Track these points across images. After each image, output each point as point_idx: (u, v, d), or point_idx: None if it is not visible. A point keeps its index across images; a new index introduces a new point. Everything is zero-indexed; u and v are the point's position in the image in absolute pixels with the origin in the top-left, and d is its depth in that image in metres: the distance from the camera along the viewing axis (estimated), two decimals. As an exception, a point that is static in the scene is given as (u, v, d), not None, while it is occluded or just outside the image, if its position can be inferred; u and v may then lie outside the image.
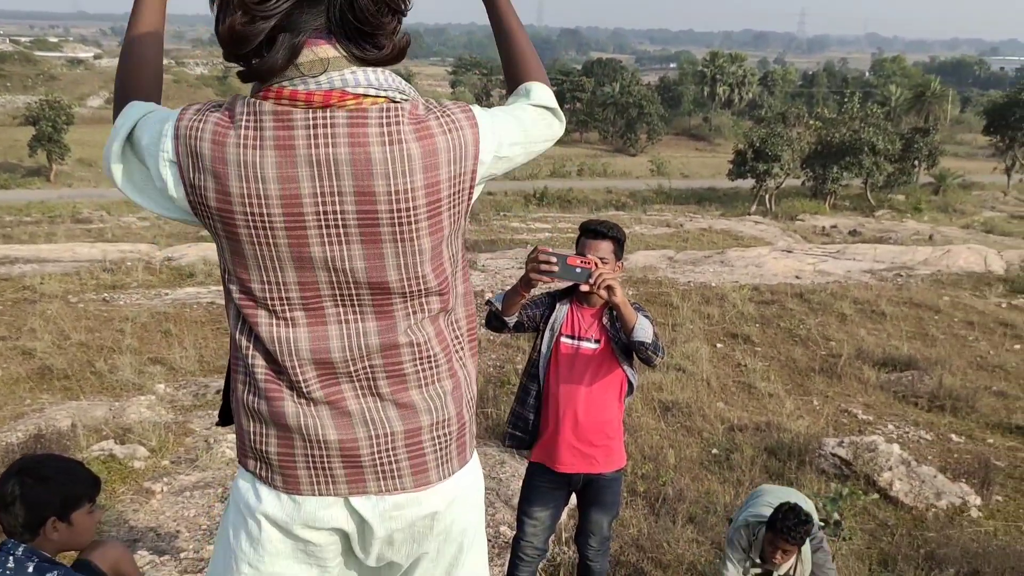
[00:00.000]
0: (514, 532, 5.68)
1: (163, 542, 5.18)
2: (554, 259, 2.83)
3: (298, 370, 1.39)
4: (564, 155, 60.00)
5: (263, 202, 1.34)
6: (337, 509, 1.45)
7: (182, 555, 4.74)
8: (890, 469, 7.02)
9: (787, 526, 3.50)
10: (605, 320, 3.45)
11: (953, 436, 8.03)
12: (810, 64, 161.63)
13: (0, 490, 2.23)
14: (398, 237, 1.40)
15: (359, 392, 1.45)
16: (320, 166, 1.35)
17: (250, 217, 1.35)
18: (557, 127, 1.70)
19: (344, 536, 1.47)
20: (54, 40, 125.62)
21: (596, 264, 2.89)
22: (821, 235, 27.35)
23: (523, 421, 3.58)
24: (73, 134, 48.01)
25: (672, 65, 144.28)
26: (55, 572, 2.17)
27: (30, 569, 2.15)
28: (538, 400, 3.52)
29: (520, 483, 6.85)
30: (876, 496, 6.53)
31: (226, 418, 1.65)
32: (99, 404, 7.69)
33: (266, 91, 1.35)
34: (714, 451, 7.58)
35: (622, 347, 3.43)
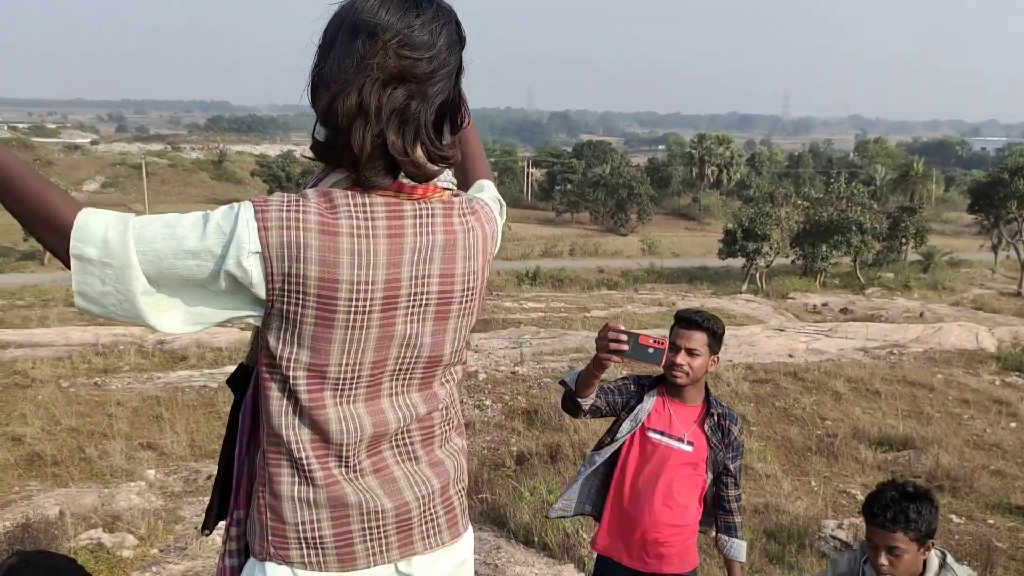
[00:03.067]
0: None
1: (151, 636, 5.05)
2: (624, 337, 2.65)
3: (357, 447, 1.47)
4: (556, 235, 60.61)
5: (370, 287, 1.43)
6: (385, 575, 1.51)
7: (170, 650, 4.61)
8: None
9: (880, 508, 2.52)
10: (707, 428, 3.24)
11: (953, 517, 7.95)
12: (796, 145, 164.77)
13: None
14: (461, 313, 1.59)
15: (399, 458, 1.54)
16: (420, 251, 1.49)
17: (354, 303, 1.42)
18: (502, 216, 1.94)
19: None
20: (52, 126, 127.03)
21: (669, 346, 2.83)
22: (812, 313, 27.49)
23: (579, 504, 3.39)
24: (68, 218, 48.16)
25: (660, 147, 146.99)
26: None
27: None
28: (604, 489, 3.33)
29: (517, 570, 6.74)
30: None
31: (212, 524, 1.68)
32: (88, 491, 7.58)
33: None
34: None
35: (715, 463, 3.24)
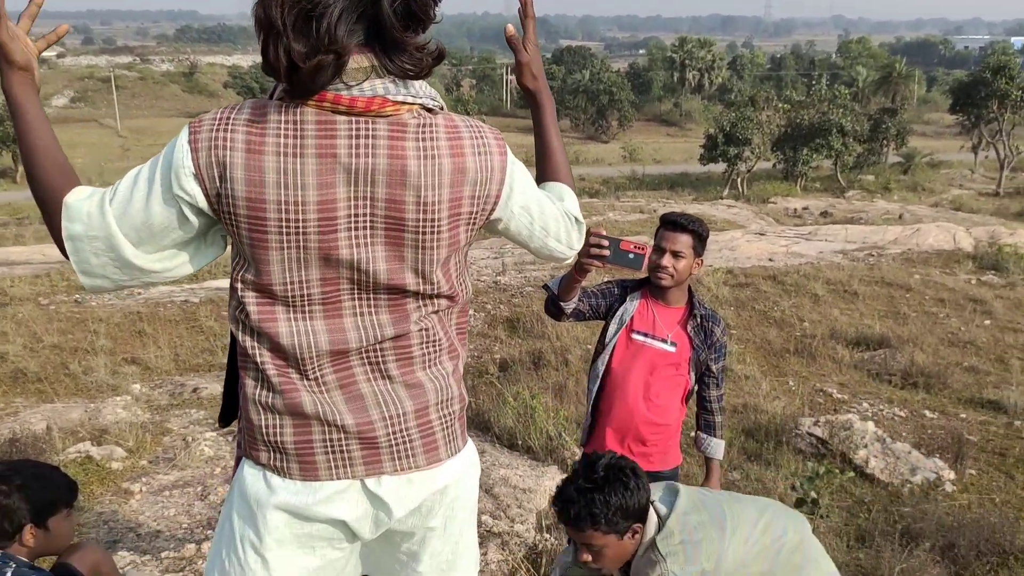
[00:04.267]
0: (495, 520, 5.71)
1: (144, 542, 5.15)
2: (606, 243, 2.61)
3: (315, 361, 1.44)
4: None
5: (300, 208, 1.39)
6: (353, 491, 1.49)
7: (163, 555, 4.72)
8: (865, 447, 7.12)
9: (562, 505, 2.20)
10: (690, 329, 3.25)
11: (927, 412, 8.15)
12: (778, 47, 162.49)
13: None
14: (419, 244, 1.47)
15: (370, 375, 1.50)
16: (358, 173, 1.41)
17: (285, 223, 1.39)
18: (575, 239, 1.81)
19: (357, 518, 1.50)
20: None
21: (654, 248, 2.81)
22: (793, 217, 27.57)
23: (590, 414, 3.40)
24: (38, 134, 47.15)
25: (641, 51, 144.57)
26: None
27: (8, 574, 2.14)
28: (599, 393, 3.34)
29: (501, 472, 6.89)
30: (852, 474, 6.61)
31: (227, 419, 1.68)
32: (74, 406, 7.62)
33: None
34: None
35: (697, 363, 3.27)
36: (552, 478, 6.89)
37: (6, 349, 9.18)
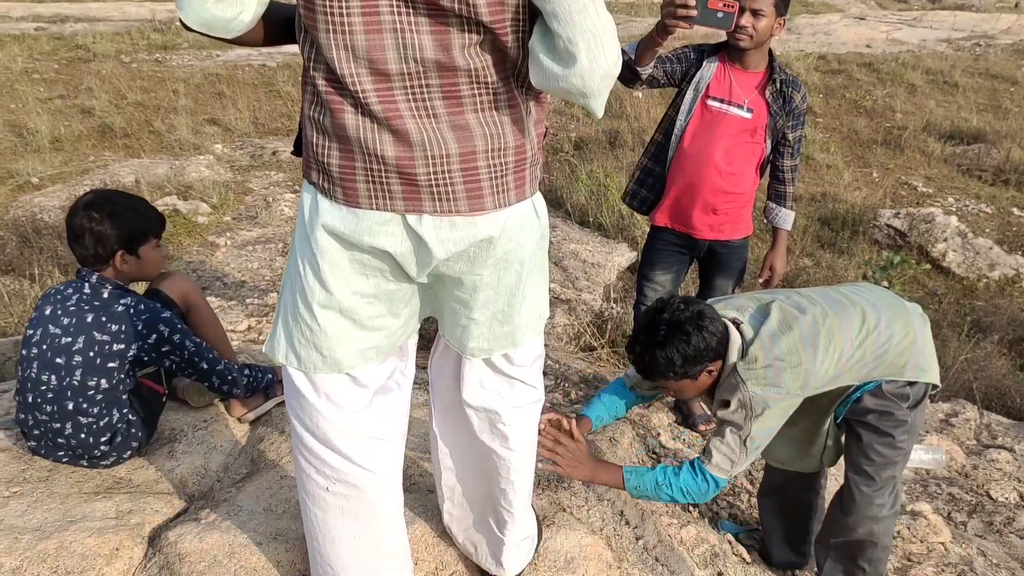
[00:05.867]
0: (563, 289, 5.85)
1: (229, 290, 5.44)
2: (692, 1, 2.47)
3: (356, 78, 1.40)
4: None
5: None
6: (395, 226, 1.49)
7: (248, 301, 4.98)
8: (945, 240, 6.97)
9: (634, 361, 2.17)
10: (768, 94, 3.10)
11: (1015, 210, 7.88)
12: None
13: (70, 222, 2.33)
14: (465, 27, 1.40)
15: (415, 111, 1.44)
16: None
17: None
18: (592, 58, 1.40)
19: (401, 252, 1.52)
20: None
21: (740, 9, 2.65)
22: (898, 1, 25.68)
23: (652, 179, 3.33)
24: None
25: None
26: (128, 298, 2.29)
27: (105, 295, 2.28)
28: (669, 161, 3.25)
29: (571, 247, 6.98)
30: (928, 266, 6.51)
31: (299, 148, 1.68)
32: (160, 162, 7.84)
33: None
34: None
35: (774, 131, 3.15)
36: (622, 255, 6.97)
37: (93, 104, 9.36)
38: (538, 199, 1.68)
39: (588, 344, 4.69)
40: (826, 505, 2.61)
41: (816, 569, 2.54)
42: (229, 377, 2.47)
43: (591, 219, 7.56)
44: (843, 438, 2.42)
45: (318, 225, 1.51)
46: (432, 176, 1.46)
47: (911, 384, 2.23)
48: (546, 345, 4.88)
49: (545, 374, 3.98)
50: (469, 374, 1.76)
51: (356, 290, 1.56)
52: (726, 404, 2.08)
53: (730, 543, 2.50)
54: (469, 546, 2.07)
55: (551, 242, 6.90)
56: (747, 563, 2.45)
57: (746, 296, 2.30)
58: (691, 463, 2.14)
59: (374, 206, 1.48)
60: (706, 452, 2.11)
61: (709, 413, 3.31)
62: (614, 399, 2.41)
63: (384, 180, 1.46)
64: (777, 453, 2.44)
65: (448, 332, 1.75)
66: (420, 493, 2.33)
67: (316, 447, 1.68)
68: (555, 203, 8.00)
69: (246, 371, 2.55)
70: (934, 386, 2.30)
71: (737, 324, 2.14)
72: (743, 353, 2.10)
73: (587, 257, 6.75)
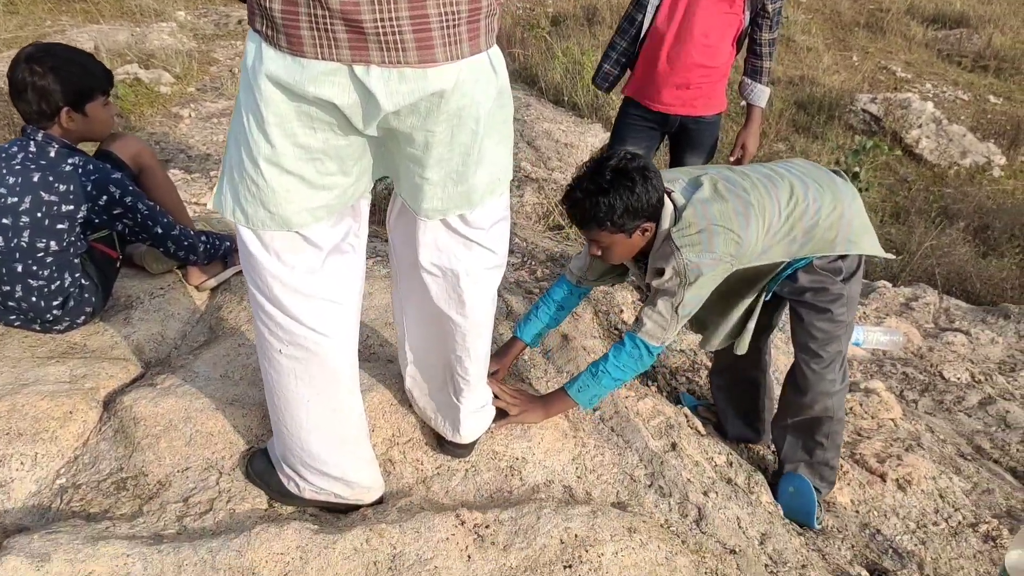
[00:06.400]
0: (534, 167, 5.78)
1: (193, 163, 5.33)
2: None
3: None
4: None
5: None
6: (341, 76, 1.41)
7: (212, 174, 4.89)
8: (920, 127, 6.94)
9: (569, 206, 2.09)
10: None
11: (991, 97, 7.83)
12: None
13: (11, 76, 2.22)
14: None
15: None
16: None
17: None
18: None
19: (347, 104, 1.45)
20: None
21: None
22: None
23: (618, 54, 3.25)
24: None
25: None
26: (77, 157, 2.20)
27: (52, 153, 2.19)
28: (641, 33, 3.15)
29: (544, 126, 6.87)
30: (900, 151, 6.50)
31: None
32: (120, 29, 7.55)
33: None
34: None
35: (752, 3, 3.03)
36: (595, 135, 6.87)
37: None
38: (495, 53, 1.59)
39: (556, 223, 4.67)
40: (773, 382, 2.66)
41: (773, 448, 2.61)
42: (185, 243, 2.42)
43: (566, 98, 7.43)
44: (777, 319, 2.47)
45: (261, 74, 1.43)
46: (379, 23, 1.38)
47: (842, 258, 2.24)
48: (515, 223, 4.87)
49: (512, 252, 3.97)
50: (424, 235, 1.73)
51: (303, 144, 1.50)
52: (660, 272, 2.08)
53: (686, 416, 2.55)
54: (428, 411, 2.09)
55: (524, 120, 6.82)
56: (701, 435, 2.50)
57: (677, 170, 2.28)
58: (622, 339, 2.15)
59: (319, 55, 1.40)
60: (638, 322, 2.12)
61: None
62: (551, 308, 2.38)
63: (329, 27, 1.37)
64: (713, 336, 2.46)
65: (404, 191, 1.70)
66: (379, 363, 2.34)
67: (268, 308, 1.66)
68: (529, 81, 7.83)
69: (203, 237, 2.50)
70: (874, 257, 2.31)
71: (668, 193, 2.12)
72: (675, 220, 2.08)
73: (560, 137, 6.65)
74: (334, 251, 1.68)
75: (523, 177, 5.32)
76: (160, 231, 2.35)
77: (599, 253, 2.13)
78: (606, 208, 2.00)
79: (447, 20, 1.42)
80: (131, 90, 6.33)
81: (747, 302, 2.35)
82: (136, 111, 6.09)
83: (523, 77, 7.91)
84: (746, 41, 3.20)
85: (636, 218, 2.02)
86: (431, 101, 1.48)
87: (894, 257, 2.41)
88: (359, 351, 2.39)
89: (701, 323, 2.47)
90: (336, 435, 1.83)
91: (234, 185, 1.57)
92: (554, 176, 5.53)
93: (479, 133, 1.58)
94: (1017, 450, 3.03)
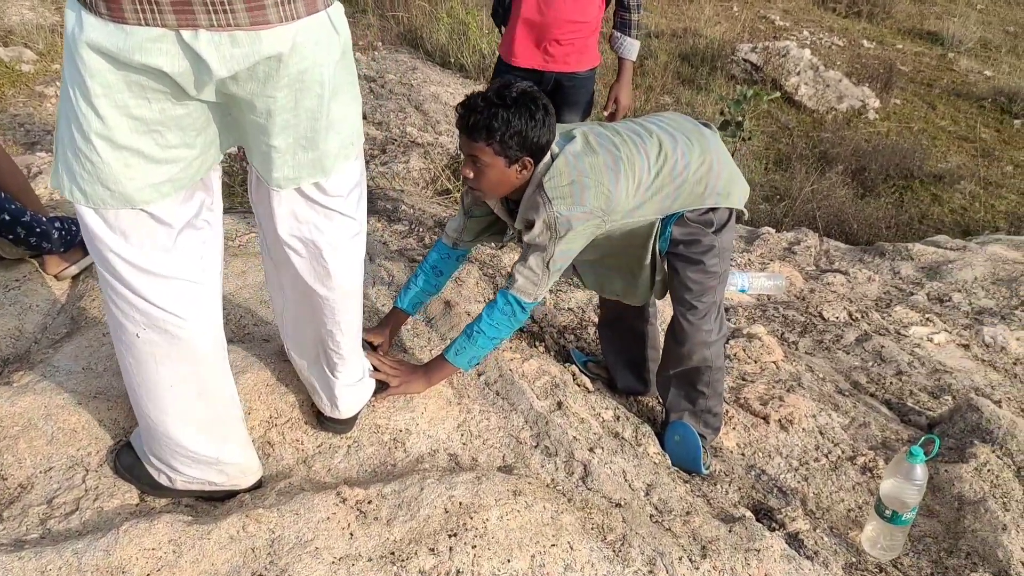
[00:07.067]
0: (421, 133, 5.70)
1: (61, 144, 5.06)
2: None
3: None
4: None
5: None
6: (168, 43, 1.33)
7: (81, 155, 4.65)
8: (798, 74, 7.11)
9: (464, 111, 2.02)
10: None
11: (864, 42, 8.07)
12: None
13: None
14: None
15: None
16: None
17: None
18: None
19: (178, 72, 1.37)
20: None
21: None
22: None
23: (501, 8, 3.23)
24: None
25: None
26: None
27: None
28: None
29: (431, 89, 6.77)
30: (778, 94, 6.64)
31: None
32: (-27, 5, 7.09)
33: None
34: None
35: None
36: (483, 96, 6.84)
37: None
38: (335, 10, 1.52)
39: (444, 188, 4.62)
40: (658, 333, 2.70)
41: (660, 400, 2.65)
42: (37, 229, 2.29)
43: (452, 60, 7.34)
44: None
45: (82, 43, 1.33)
46: None
47: (713, 210, 2.27)
48: (401, 190, 4.80)
49: (399, 219, 3.91)
50: (280, 207, 1.66)
51: (137, 116, 1.40)
52: (530, 226, 2.06)
53: (573, 375, 2.56)
54: (307, 387, 2.04)
55: (411, 84, 6.71)
56: (588, 392, 2.52)
57: None
58: (494, 299, 2.14)
59: (142, 21, 1.30)
60: (510, 278, 2.11)
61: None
62: (429, 274, 2.35)
63: None
64: (609, 286, 2.48)
65: (255, 161, 1.63)
66: (255, 342, 2.27)
67: (121, 290, 1.57)
68: (413, 43, 7.70)
69: (56, 223, 2.37)
70: (739, 212, 2.35)
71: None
72: (547, 169, 2.07)
73: (448, 99, 6.57)
74: (187, 227, 1.60)
75: (409, 142, 5.24)
76: (7, 218, 2.22)
77: (471, 174, 2.08)
78: (501, 122, 1.96)
79: None
80: (-11, 70, 5.97)
81: (647, 261, 2.37)
82: (-4, 92, 5.75)
83: (407, 40, 7.78)
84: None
85: (523, 148, 2.00)
86: (268, 65, 1.41)
87: (747, 215, 2.45)
88: (232, 332, 2.33)
89: (623, 291, 2.47)
90: (205, 420, 1.76)
91: (68, 163, 1.47)
92: (441, 140, 5.47)
93: (325, 97, 1.52)
94: (891, 383, 3.16)
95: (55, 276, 2.48)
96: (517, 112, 1.97)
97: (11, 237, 2.28)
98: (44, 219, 2.34)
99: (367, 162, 4.72)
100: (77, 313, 2.38)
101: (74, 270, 2.51)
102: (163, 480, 1.80)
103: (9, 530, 1.70)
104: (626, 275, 2.41)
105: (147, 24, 1.31)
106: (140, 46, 1.32)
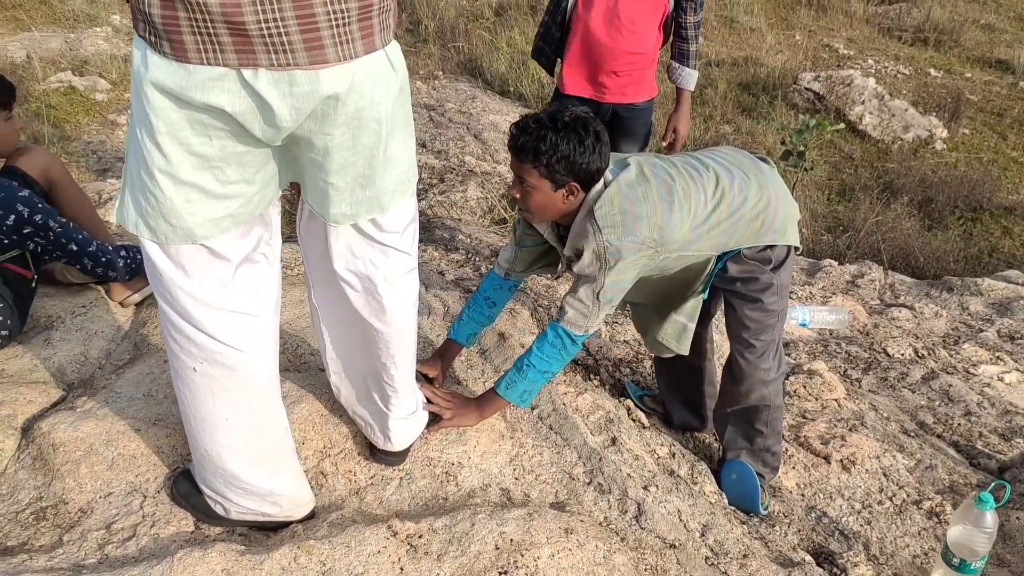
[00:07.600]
0: (480, 162, 5.73)
1: (131, 171, 5.20)
2: None
3: None
4: None
5: None
6: (230, 81, 1.36)
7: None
8: (863, 103, 6.99)
9: (516, 131, 2.02)
10: None
11: (932, 71, 7.91)
12: None
13: None
14: None
15: None
16: None
17: None
18: None
19: (241, 111, 1.40)
20: None
21: None
22: None
23: (550, 37, 3.19)
24: None
25: None
26: (-18, 177, 2.13)
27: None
28: (567, 20, 3.11)
29: (491, 118, 6.82)
30: (842, 125, 6.54)
31: None
32: (53, 36, 7.36)
33: None
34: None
35: None
36: (542, 125, 6.86)
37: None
38: (393, 49, 1.54)
39: (500, 217, 4.64)
40: (715, 368, 2.65)
41: (717, 437, 2.60)
42: (103, 259, 2.35)
43: (512, 89, 7.39)
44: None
45: (147, 82, 1.37)
46: (263, 25, 1.32)
47: (771, 247, 2.23)
48: (459, 219, 4.83)
49: (456, 248, 3.93)
50: (336, 243, 1.68)
51: (199, 153, 1.43)
52: (580, 255, 2.04)
53: (628, 409, 2.53)
54: (358, 420, 2.05)
55: (470, 113, 6.76)
56: (643, 427, 2.48)
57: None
58: (544, 331, 2.12)
59: (204, 60, 1.33)
60: (560, 310, 2.09)
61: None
62: (482, 305, 2.34)
63: (211, 31, 1.31)
64: (656, 337, 2.45)
65: (310, 198, 1.65)
66: (310, 372, 2.29)
67: (180, 323, 1.60)
68: (473, 72, 7.77)
69: (122, 252, 2.43)
70: (797, 248, 2.31)
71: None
72: (598, 196, 2.05)
73: (506, 128, 6.61)
74: (245, 262, 1.63)
75: (467, 171, 5.27)
76: (75, 248, 2.28)
77: (518, 194, 2.07)
78: (548, 145, 1.95)
79: (336, 18, 1.37)
80: (65, 99, 6.18)
81: (687, 305, 2.34)
82: (71, 120, 5.95)
83: (468, 69, 7.85)
84: (672, 25, 3.18)
85: (570, 172, 1.98)
86: (326, 104, 1.43)
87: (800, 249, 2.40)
88: (288, 361, 2.35)
89: (643, 327, 2.45)
90: (259, 453, 1.78)
91: (135, 197, 1.51)
92: (499, 169, 5.50)
93: (382, 134, 1.54)
94: (959, 424, 3.05)
95: (120, 303, 2.54)
96: (566, 136, 1.96)
97: (78, 267, 2.34)
98: (111, 248, 2.40)
99: (426, 191, 4.77)
100: (140, 340, 2.43)
101: (137, 298, 2.56)
102: (218, 509, 1.82)
103: (68, 554, 1.73)
104: (663, 320, 2.38)
105: (209, 64, 1.33)
106: (202, 85, 1.35)
